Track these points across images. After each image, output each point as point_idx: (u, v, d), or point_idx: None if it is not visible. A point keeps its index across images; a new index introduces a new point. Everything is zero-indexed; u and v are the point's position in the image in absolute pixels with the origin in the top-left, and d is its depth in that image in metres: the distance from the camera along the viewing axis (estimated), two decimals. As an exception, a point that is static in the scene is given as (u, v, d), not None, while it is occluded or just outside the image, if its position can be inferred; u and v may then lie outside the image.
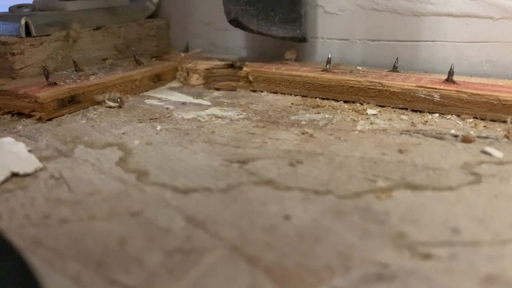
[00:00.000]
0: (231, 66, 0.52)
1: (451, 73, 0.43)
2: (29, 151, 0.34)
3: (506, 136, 0.36)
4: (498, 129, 0.37)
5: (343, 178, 0.29)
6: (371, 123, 0.40)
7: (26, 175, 0.30)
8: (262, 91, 0.51)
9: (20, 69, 0.47)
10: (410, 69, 0.50)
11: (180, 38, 0.66)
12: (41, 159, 0.32)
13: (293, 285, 0.20)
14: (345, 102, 0.46)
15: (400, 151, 0.33)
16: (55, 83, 0.44)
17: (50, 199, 0.27)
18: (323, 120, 0.41)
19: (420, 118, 0.40)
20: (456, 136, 0.36)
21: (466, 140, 0.35)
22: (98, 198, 0.27)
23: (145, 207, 0.26)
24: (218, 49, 0.64)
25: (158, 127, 0.39)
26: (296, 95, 0.49)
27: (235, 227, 0.24)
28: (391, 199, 0.27)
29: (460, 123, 0.39)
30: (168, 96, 0.50)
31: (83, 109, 0.44)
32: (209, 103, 0.47)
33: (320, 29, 0.56)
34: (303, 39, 0.53)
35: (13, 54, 0.47)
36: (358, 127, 0.39)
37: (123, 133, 0.38)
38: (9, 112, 0.43)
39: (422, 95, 0.42)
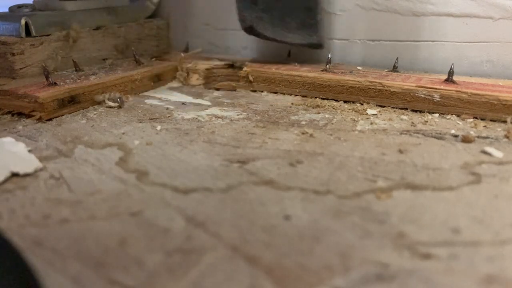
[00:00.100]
0: (231, 66, 0.52)
1: (451, 73, 0.43)
2: (29, 151, 0.34)
3: (506, 136, 0.36)
4: (498, 129, 0.37)
5: (343, 178, 0.29)
6: (371, 123, 0.40)
7: (26, 175, 0.30)
8: (262, 91, 0.51)
9: (20, 69, 0.47)
10: (410, 69, 0.50)
11: (180, 38, 0.66)
12: (41, 159, 0.32)
13: (293, 285, 0.20)
14: (345, 102, 0.46)
15: (400, 151, 0.33)
16: (55, 83, 0.44)
17: (50, 199, 0.27)
18: (323, 120, 0.41)
19: (420, 118, 0.40)
20: (456, 136, 0.36)
21: (466, 140, 0.35)
22: (98, 198, 0.27)
23: (145, 207, 0.26)
24: (218, 49, 0.64)
25: (158, 127, 0.39)
26: (296, 95, 0.49)
27: (235, 227, 0.24)
28: (391, 199, 0.27)
29: (460, 123, 0.39)
30: (168, 96, 0.50)
31: (83, 109, 0.44)
32: (209, 103, 0.47)
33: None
34: (319, 45, 0.52)
35: (13, 54, 0.46)
36: (358, 127, 0.39)
37: (123, 133, 0.38)
38: (9, 112, 0.43)
39: (422, 95, 0.42)
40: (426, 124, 0.39)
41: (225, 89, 0.52)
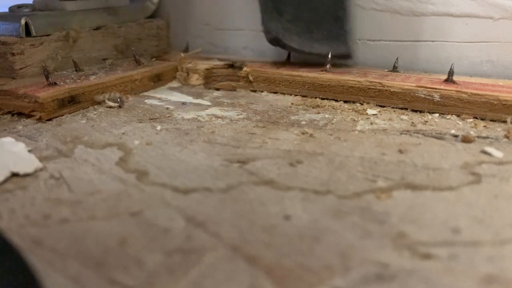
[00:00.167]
0: (231, 66, 0.52)
1: (451, 73, 0.43)
2: (29, 151, 0.34)
3: (506, 136, 0.36)
4: (498, 129, 0.37)
5: (343, 178, 0.29)
6: (371, 123, 0.40)
7: (26, 175, 0.30)
8: (262, 91, 0.51)
9: (20, 69, 0.47)
10: (410, 69, 0.50)
11: (180, 38, 0.66)
12: (41, 159, 0.32)
13: (293, 285, 0.20)
14: (345, 102, 0.46)
15: (400, 151, 0.33)
16: (55, 83, 0.44)
17: (50, 199, 0.27)
18: (323, 120, 0.41)
19: (420, 118, 0.40)
20: (456, 136, 0.36)
21: (466, 140, 0.35)
22: (98, 198, 0.27)
23: (145, 207, 0.26)
24: (218, 49, 0.64)
25: (158, 127, 0.39)
26: (296, 95, 0.49)
27: (235, 227, 0.24)
28: (391, 199, 0.27)
29: (460, 123, 0.39)
30: (168, 96, 0.50)
31: (83, 109, 0.44)
32: (209, 103, 0.47)
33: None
34: (348, 56, 0.51)
35: (13, 54, 0.46)
36: (358, 127, 0.39)
37: (123, 133, 0.38)
38: (9, 112, 0.43)
39: (422, 95, 0.42)
40: (426, 124, 0.39)
41: (225, 89, 0.52)
